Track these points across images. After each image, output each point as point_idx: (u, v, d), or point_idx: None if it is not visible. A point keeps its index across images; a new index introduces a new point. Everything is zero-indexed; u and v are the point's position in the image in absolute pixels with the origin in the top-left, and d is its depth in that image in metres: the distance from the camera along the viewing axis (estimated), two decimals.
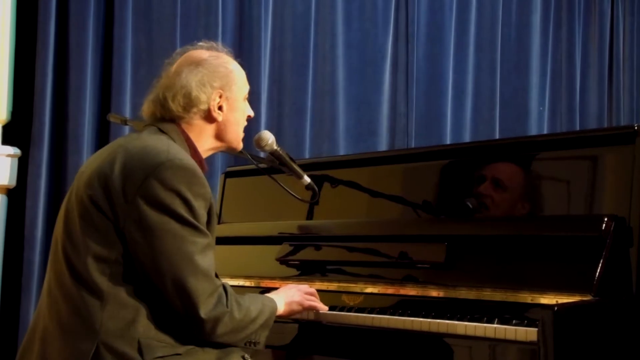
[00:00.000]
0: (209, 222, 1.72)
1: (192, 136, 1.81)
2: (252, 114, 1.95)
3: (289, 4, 3.85)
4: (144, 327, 1.62)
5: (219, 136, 1.85)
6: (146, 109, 1.84)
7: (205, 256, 1.67)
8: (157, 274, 1.62)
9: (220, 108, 1.83)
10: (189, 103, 1.79)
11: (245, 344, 1.77)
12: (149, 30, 3.44)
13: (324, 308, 2.03)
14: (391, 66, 4.12)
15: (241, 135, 1.92)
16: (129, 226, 1.62)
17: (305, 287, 2.03)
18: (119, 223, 1.63)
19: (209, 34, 3.56)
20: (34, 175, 3.15)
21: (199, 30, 3.57)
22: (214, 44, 1.92)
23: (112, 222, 1.63)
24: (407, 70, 4.16)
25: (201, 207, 1.67)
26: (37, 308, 1.77)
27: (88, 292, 1.62)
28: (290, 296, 1.96)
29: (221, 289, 1.69)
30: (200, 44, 1.91)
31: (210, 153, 1.90)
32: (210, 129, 1.84)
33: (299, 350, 2.19)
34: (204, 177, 1.71)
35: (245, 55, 3.70)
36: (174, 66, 1.85)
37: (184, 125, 1.81)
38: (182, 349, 1.65)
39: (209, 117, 1.82)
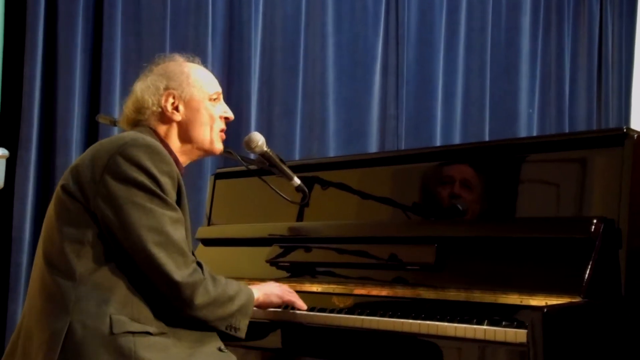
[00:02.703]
0: (179, 202, 1.75)
1: (162, 137, 1.87)
2: (229, 115, 1.96)
3: (279, 6, 3.85)
4: (117, 305, 1.64)
5: (183, 137, 1.88)
6: (121, 122, 1.96)
7: (176, 229, 1.70)
8: (131, 248, 1.66)
9: (177, 109, 1.86)
10: (137, 106, 1.87)
11: (226, 329, 1.79)
12: (138, 31, 3.43)
13: (302, 305, 2.05)
14: (381, 68, 4.13)
15: (212, 135, 1.92)
16: (99, 204, 1.66)
17: (285, 286, 2.07)
18: (89, 203, 1.67)
19: (199, 35, 3.56)
20: (22, 176, 3.13)
21: (189, 31, 3.56)
22: (175, 54, 1.97)
23: (82, 205, 1.68)
24: (397, 72, 4.17)
25: (167, 184, 1.71)
26: (22, 313, 1.79)
27: (62, 276, 1.65)
28: (269, 288, 2.00)
29: (195, 262, 1.73)
30: (164, 56, 1.97)
31: (188, 157, 1.92)
32: (173, 130, 1.88)
33: (289, 353, 2.18)
34: (169, 156, 1.74)
35: (235, 56, 3.70)
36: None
37: (153, 127, 1.87)
38: (153, 328, 1.67)
39: (164, 118, 1.87)
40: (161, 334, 1.68)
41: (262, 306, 1.99)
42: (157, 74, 1.89)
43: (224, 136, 1.96)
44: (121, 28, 3.37)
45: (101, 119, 2.78)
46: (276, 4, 3.85)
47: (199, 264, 1.75)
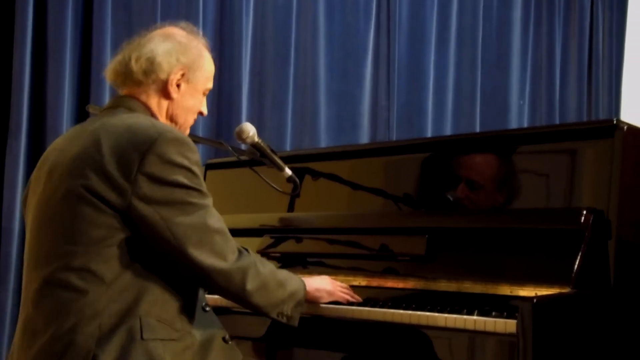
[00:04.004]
0: None
1: (153, 112, 1.81)
2: (205, 112, 1.93)
3: None
4: (146, 306, 1.62)
5: (171, 117, 1.84)
6: (109, 69, 1.85)
7: (215, 216, 1.71)
8: (176, 245, 1.64)
9: (178, 86, 1.82)
10: (150, 68, 1.78)
11: (277, 316, 1.79)
12: (128, 22, 3.40)
13: (358, 299, 2.02)
14: (373, 59, 4.12)
15: (188, 123, 1.90)
16: (135, 204, 1.62)
17: (338, 282, 2.03)
18: (123, 205, 1.62)
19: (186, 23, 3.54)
20: (12, 165, 3.11)
21: (180, 19, 3.51)
22: (195, 29, 1.91)
23: (113, 206, 1.62)
24: (389, 63, 4.16)
25: (198, 172, 1.70)
26: (21, 314, 1.73)
27: (88, 279, 1.60)
28: (321, 283, 1.98)
29: (239, 245, 1.73)
30: (182, 24, 1.91)
31: None
32: (164, 106, 1.83)
33: (279, 342, 2.18)
34: (194, 144, 1.72)
35: (226, 47, 3.69)
36: (149, 34, 1.86)
37: (143, 98, 1.80)
38: (177, 333, 1.66)
39: (164, 91, 1.81)
40: (180, 338, 1.67)
41: (310, 300, 1.93)
42: (181, 44, 1.82)
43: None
44: (111, 18, 3.34)
45: (91, 109, 2.76)
46: None
47: (245, 249, 1.75)
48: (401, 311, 1.88)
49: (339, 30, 4.03)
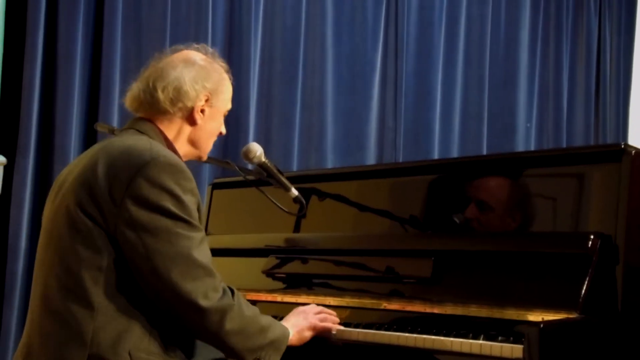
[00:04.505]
0: (199, 219, 1.69)
1: (170, 137, 1.79)
2: (224, 132, 1.93)
3: (279, 16, 3.86)
4: (136, 339, 1.59)
5: (192, 142, 1.83)
6: (130, 97, 1.81)
7: (202, 251, 1.63)
8: (155, 275, 1.58)
9: (202, 112, 1.81)
10: (177, 97, 1.76)
11: None
12: (138, 39, 3.43)
13: (337, 323, 1.95)
14: (380, 80, 4.14)
15: (209, 147, 1.89)
16: (121, 229, 1.59)
17: (312, 307, 1.96)
18: (109, 228, 1.60)
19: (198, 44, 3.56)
20: (20, 183, 3.12)
21: (189, 39, 3.52)
22: (209, 49, 1.91)
23: (102, 228, 1.60)
24: (396, 84, 4.18)
25: (191, 202, 1.65)
26: (25, 326, 1.73)
27: (77, 303, 1.58)
28: (298, 322, 1.89)
29: (225, 285, 1.66)
30: (196, 46, 1.90)
31: (186, 159, 1.86)
32: (187, 131, 1.81)
33: None
34: (189, 172, 1.68)
35: (234, 66, 3.70)
36: (167, 59, 1.82)
37: (164, 124, 1.78)
38: None
39: (190, 118, 1.80)
40: None
41: (294, 345, 1.86)
42: (203, 69, 1.80)
43: None
44: (121, 35, 3.37)
45: (100, 127, 2.77)
46: (276, 14, 3.86)
47: (230, 289, 1.68)
48: (406, 334, 1.87)
49: (346, 50, 4.05)
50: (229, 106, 1.90)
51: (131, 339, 1.58)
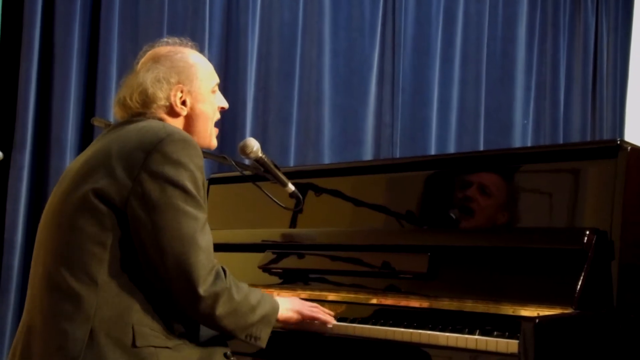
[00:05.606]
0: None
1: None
2: (225, 105, 1.92)
3: (276, 12, 3.86)
4: (139, 315, 1.61)
5: (188, 131, 1.82)
6: (115, 109, 1.85)
7: (205, 233, 1.66)
8: (158, 251, 1.61)
9: (184, 103, 1.82)
10: (147, 100, 1.78)
11: (245, 338, 1.75)
12: (135, 35, 3.43)
13: (329, 320, 1.97)
14: (377, 76, 4.14)
15: (212, 130, 1.89)
16: (132, 203, 1.61)
17: (309, 302, 2.01)
18: (121, 203, 1.61)
19: (196, 41, 3.49)
20: (16, 178, 3.12)
21: (185, 36, 3.54)
22: (179, 40, 1.91)
23: (113, 208, 1.61)
24: (393, 80, 4.18)
25: (200, 180, 1.68)
26: (25, 306, 1.74)
27: (81, 279, 1.60)
28: (291, 302, 1.94)
29: (219, 266, 1.69)
30: (165, 39, 1.91)
31: None
32: (178, 123, 1.82)
33: (278, 359, 2.17)
34: (200, 150, 1.71)
35: (231, 62, 3.71)
36: (137, 66, 1.85)
37: (161, 119, 1.80)
38: (172, 342, 1.65)
39: (172, 113, 1.81)
40: (176, 347, 1.65)
41: (281, 322, 1.90)
42: (166, 66, 1.81)
43: (217, 130, 1.94)
44: (118, 32, 3.37)
45: (96, 121, 2.77)
46: (273, 10, 3.85)
47: (223, 270, 1.70)
48: (402, 329, 1.87)
49: (344, 46, 4.05)
50: (213, 82, 1.88)
51: (134, 315, 1.60)
